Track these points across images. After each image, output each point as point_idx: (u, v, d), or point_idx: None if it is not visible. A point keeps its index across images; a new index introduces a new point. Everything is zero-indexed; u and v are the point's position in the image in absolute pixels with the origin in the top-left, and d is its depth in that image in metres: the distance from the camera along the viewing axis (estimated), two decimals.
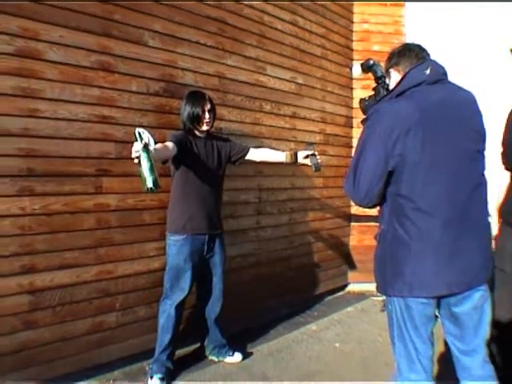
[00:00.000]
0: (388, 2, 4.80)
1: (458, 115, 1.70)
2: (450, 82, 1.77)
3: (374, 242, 1.86)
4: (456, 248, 1.65)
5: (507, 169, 2.32)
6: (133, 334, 2.89)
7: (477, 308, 1.73)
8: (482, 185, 1.75)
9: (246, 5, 3.60)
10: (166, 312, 2.75)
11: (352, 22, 4.83)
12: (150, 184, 2.12)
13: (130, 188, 2.80)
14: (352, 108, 4.82)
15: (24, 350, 2.42)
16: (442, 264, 1.64)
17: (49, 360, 2.52)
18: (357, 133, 4.81)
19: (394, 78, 1.81)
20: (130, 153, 2.16)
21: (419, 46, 1.81)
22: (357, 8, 4.83)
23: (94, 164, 2.68)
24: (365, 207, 1.83)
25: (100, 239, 2.72)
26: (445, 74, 1.76)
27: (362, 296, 4.56)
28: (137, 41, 2.86)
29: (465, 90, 1.78)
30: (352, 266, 4.80)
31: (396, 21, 4.82)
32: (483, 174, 1.76)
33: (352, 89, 4.83)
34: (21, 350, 2.41)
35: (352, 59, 4.82)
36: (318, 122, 4.38)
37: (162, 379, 2.67)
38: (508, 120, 2.39)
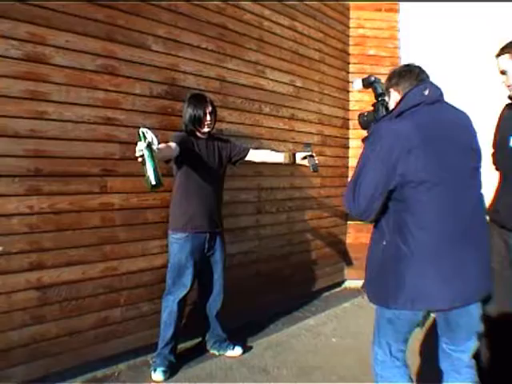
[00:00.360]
0: (383, 8, 4.81)
1: (455, 135, 1.72)
2: (446, 103, 1.78)
3: (369, 240, 1.87)
4: (458, 263, 1.65)
5: (497, 169, 2.34)
6: (137, 329, 2.89)
7: (472, 317, 1.75)
8: (480, 201, 1.77)
9: (246, 10, 3.61)
10: (169, 307, 2.77)
11: (348, 27, 4.84)
12: (153, 181, 2.13)
13: (134, 188, 2.81)
14: (348, 110, 4.83)
15: (33, 343, 2.43)
16: (445, 279, 1.64)
17: (56, 353, 2.53)
18: (353, 134, 4.83)
19: (394, 98, 1.81)
20: (134, 153, 2.18)
21: (419, 68, 1.81)
22: (353, 14, 4.84)
23: (99, 164, 2.69)
24: (363, 221, 1.81)
25: (105, 237, 2.73)
26: (441, 95, 1.77)
27: (358, 292, 4.52)
28: (140, 45, 2.87)
29: (461, 111, 1.80)
30: (348, 263, 4.81)
31: (391, 26, 4.83)
32: (481, 191, 1.77)
33: (348, 92, 4.83)
34: (30, 343, 2.42)
35: (348, 63, 4.83)
36: (315, 123, 4.39)
37: (164, 372, 2.68)
38: (498, 122, 2.41)
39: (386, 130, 1.70)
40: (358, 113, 2.03)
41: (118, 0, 2.72)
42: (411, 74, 1.77)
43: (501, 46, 2.19)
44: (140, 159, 2.15)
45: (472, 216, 1.70)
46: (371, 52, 4.82)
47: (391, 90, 1.83)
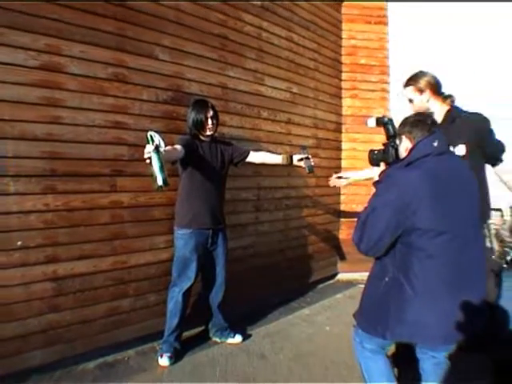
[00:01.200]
0: (373, 21, 4.84)
1: (462, 185, 1.74)
2: (451, 154, 1.81)
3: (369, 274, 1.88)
4: (455, 307, 1.67)
5: None
6: (144, 318, 2.91)
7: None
8: (481, 248, 1.80)
9: (245, 22, 3.62)
10: (174, 298, 2.78)
11: (341, 38, 4.85)
12: (160, 182, 2.13)
13: (142, 187, 2.82)
14: (341, 115, 4.84)
15: (49, 330, 2.46)
16: (442, 321, 1.67)
17: (71, 339, 2.55)
18: (345, 137, 4.86)
19: (405, 145, 1.82)
20: (142, 155, 2.18)
21: (431, 119, 1.82)
22: (345, 26, 4.86)
23: (109, 165, 2.70)
24: (368, 256, 1.83)
25: (115, 233, 2.74)
26: (448, 147, 1.79)
27: (349, 284, 4.57)
28: (148, 55, 2.88)
29: (463, 162, 1.83)
30: (341, 257, 4.82)
31: (380, 37, 4.84)
32: (483, 242, 1.82)
33: (341, 98, 4.85)
34: (46, 329, 2.45)
35: (341, 71, 4.83)
36: (310, 127, 4.40)
37: (170, 358, 2.70)
38: None
39: (397, 177, 1.71)
40: (369, 148, 2.02)
41: (126, 5, 2.74)
42: (424, 126, 1.78)
43: (407, 78, 2.28)
44: (148, 161, 2.15)
45: (473, 263, 1.72)
46: (362, 61, 4.84)
47: (403, 137, 1.83)
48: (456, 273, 1.67)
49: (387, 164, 1.92)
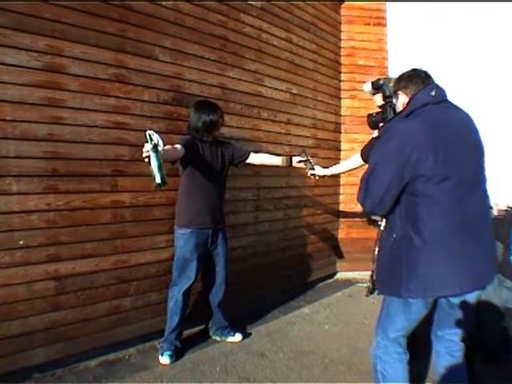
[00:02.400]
0: (371, 22, 4.86)
1: (461, 131, 1.72)
2: (450, 102, 1.78)
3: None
4: (466, 252, 1.64)
5: None
6: (145, 316, 2.91)
7: (471, 302, 1.75)
8: (485, 194, 1.76)
9: (245, 24, 3.63)
10: (175, 297, 2.78)
11: (340, 40, 4.87)
12: (158, 180, 2.13)
13: (142, 187, 2.82)
14: (340, 115, 4.85)
15: (51, 328, 2.46)
16: (455, 266, 1.63)
17: (72, 337, 2.56)
18: (344, 138, 4.88)
19: (402, 100, 1.80)
20: (142, 155, 2.17)
21: (425, 73, 1.80)
22: (344, 27, 4.88)
23: (111, 165, 2.71)
24: (375, 215, 1.80)
25: (116, 232, 2.75)
26: (445, 95, 1.78)
27: (348, 283, 4.59)
28: (148, 55, 2.88)
29: (463, 110, 1.80)
30: (340, 256, 4.83)
31: (379, 39, 4.86)
32: (486, 185, 1.77)
33: (340, 98, 4.86)
34: (49, 328, 2.45)
35: (340, 72, 4.86)
36: (309, 127, 4.41)
37: (171, 356, 2.71)
38: None
39: (397, 128, 1.69)
40: (367, 112, 1.99)
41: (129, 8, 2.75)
42: (418, 79, 1.77)
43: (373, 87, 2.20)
44: (146, 160, 2.15)
45: (477, 209, 1.70)
46: (361, 62, 4.85)
47: (400, 93, 1.82)
48: (462, 218, 1.64)
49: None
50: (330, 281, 4.75)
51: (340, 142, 4.87)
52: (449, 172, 1.62)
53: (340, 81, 4.87)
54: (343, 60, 4.88)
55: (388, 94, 1.93)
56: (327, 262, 4.72)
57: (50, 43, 2.41)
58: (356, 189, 1.76)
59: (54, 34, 2.42)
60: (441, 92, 1.75)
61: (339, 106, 4.86)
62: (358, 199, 1.75)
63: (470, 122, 1.78)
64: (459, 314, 1.78)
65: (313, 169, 2.91)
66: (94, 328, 2.66)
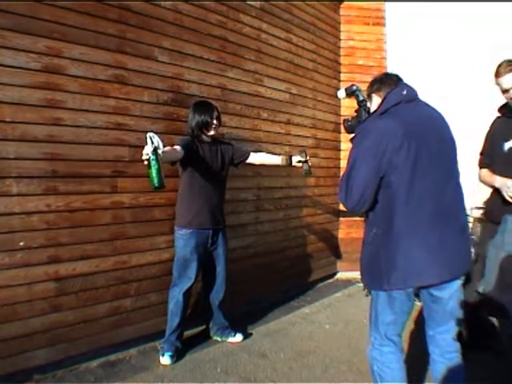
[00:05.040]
0: (371, 22, 4.86)
1: (433, 127, 1.77)
2: (421, 101, 1.85)
3: (360, 235, 1.88)
4: (442, 241, 1.68)
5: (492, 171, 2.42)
6: (146, 317, 2.91)
7: (454, 296, 1.78)
8: (458, 186, 1.81)
9: (245, 24, 3.63)
10: (175, 298, 2.78)
11: (339, 40, 4.86)
12: (156, 183, 2.15)
13: (142, 187, 2.81)
14: (340, 115, 4.84)
15: (52, 329, 2.46)
16: (432, 256, 1.67)
17: (73, 338, 2.55)
18: (344, 137, 4.85)
19: (376, 102, 1.86)
20: (142, 156, 2.18)
21: (397, 76, 1.89)
22: (343, 27, 4.87)
23: (110, 166, 2.71)
24: (357, 212, 1.82)
25: (116, 233, 2.75)
26: (416, 94, 1.85)
27: (349, 283, 4.58)
28: (148, 56, 2.88)
29: (434, 109, 1.87)
30: (340, 256, 4.83)
31: (378, 38, 4.86)
32: (459, 178, 1.82)
33: (340, 98, 4.86)
34: (49, 329, 2.45)
35: (339, 72, 4.85)
36: (309, 127, 4.41)
37: (171, 357, 2.71)
38: (489, 131, 2.48)
39: (372, 126, 1.75)
40: (343, 119, 2.07)
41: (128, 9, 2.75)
42: (390, 81, 1.86)
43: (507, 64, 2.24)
44: (146, 162, 2.16)
45: (451, 201, 1.75)
46: (360, 62, 4.85)
47: (373, 95, 1.89)
48: (437, 208, 1.70)
49: None
50: (330, 281, 4.75)
51: (340, 141, 4.87)
52: (422, 164, 1.67)
53: (339, 81, 4.86)
54: (342, 60, 4.88)
55: (361, 98, 2.00)
56: (327, 262, 4.72)
57: (49, 44, 2.40)
58: None
59: (53, 35, 2.42)
60: (411, 91, 1.82)
61: (339, 106, 4.86)
62: (340, 198, 1.79)
63: (441, 119, 1.85)
64: (445, 309, 1.80)
65: (310, 172, 2.91)
66: (94, 329, 2.65)
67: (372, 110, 1.89)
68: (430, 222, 1.68)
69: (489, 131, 2.51)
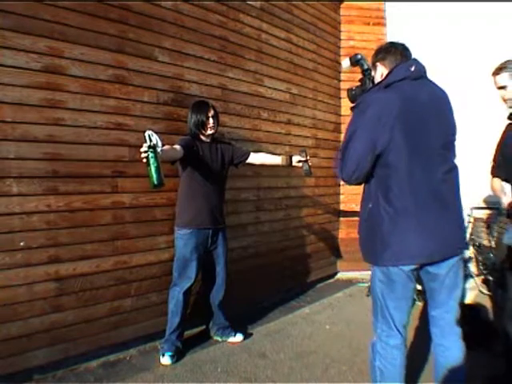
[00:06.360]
0: (371, 22, 4.87)
1: (436, 108, 1.76)
2: (428, 80, 1.82)
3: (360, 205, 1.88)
4: (436, 221, 1.69)
5: (505, 180, 2.40)
6: (146, 317, 2.92)
7: (450, 272, 1.78)
8: (454, 169, 1.80)
9: (245, 24, 3.63)
10: (175, 298, 2.78)
11: (339, 39, 4.88)
12: (155, 181, 2.14)
13: (143, 188, 2.82)
14: (340, 115, 4.85)
15: (52, 329, 2.46)
16: (425, 236, 1.68)
17: (73, 338, 2.56)
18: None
19: (380, 71, 1.85)
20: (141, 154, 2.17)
21: (403, 46, 1.86)
22: (344, 27, 4.89)
23: (111, 166, 2.71)
24: (351, 184, 1.83)
25: (116, 233, 2.75)
26: (425, 72, 1.81)
27: (349, 283, 4.59)
28: (148, 56, 2.89)
29: (441, 88, 1.84)
30: (340, 256, 4.84)
31: (378, 38, 4.84)
32: (455, 160, 1.82)
33: (340, 98, 4.86)
34: (50, 329, 2.45)
35: (340, 72, 4.86)
36: (310, 127, 4.41)
37: (172, 357, 2.71)
38: (501, 140, 2.45)
39: (373, 98, 1.73)
40: (347, 87, 2.05)
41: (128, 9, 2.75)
42: (396, 51, 1.82)
43: (500, 65, 2.25)
44: (144, 160, 2.15)
45: (445, 182, 1.74)
46: None
47: (378, 64, 1.86)
48: (432, 188, 1.70)
49: None
50: (330, 281, 4.75)
51: (340, 141, 4.85)
52: (421, 146, 1.67)
53: (340, 80, 4.87)
54: (343, 60, 4.86)
55: (366, 67, 1.98)
56: (328, 262, 4.72)
57: (50, 44, 2.41)
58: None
59: (53, 36, 2.42)
60: (421, 68, 1.79)
61: (339, 106, 4.86)
62: (334, 170, 1.80)
63: (446, 99, 1.83)
64: (442, 285, 1.80)
65: (310, 172, 2.90)
66: (94, 329, 2.65)
67: (376, 79, 1.87)
68: (425, 202, 1.69)
69: (500, 139, 2.47)
